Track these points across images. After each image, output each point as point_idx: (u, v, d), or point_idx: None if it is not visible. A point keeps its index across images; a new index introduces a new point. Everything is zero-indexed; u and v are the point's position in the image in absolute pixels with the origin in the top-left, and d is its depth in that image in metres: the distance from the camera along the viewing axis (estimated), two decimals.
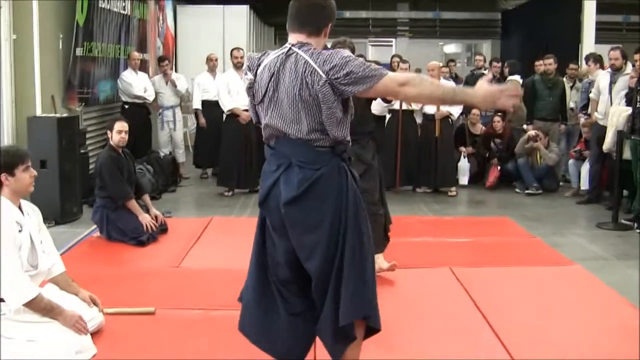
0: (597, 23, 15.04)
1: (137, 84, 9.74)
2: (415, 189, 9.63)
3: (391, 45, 19.16)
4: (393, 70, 10.54)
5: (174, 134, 10.33)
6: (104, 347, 4.22)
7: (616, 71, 8.45)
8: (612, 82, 8.45)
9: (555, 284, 5.57)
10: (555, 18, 14.80)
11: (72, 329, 4.07)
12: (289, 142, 3.27)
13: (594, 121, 8.79)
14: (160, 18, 12.28)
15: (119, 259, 6.31)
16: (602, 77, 8.77)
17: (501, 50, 17.83)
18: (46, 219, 7.14)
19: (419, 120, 9.56)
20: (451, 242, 6.84)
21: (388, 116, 9.51)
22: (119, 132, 6.81)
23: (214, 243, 6.78)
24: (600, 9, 14.22)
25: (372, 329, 3.42)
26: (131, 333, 4.51)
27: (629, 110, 7.77)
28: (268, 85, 3.27)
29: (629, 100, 7.91)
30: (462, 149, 10.13)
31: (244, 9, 13.90)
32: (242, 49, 9.33)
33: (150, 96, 9.92)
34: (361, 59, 3.20)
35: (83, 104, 8.92)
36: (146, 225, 6.75)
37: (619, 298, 5.21)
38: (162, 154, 10.00)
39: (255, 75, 3.34)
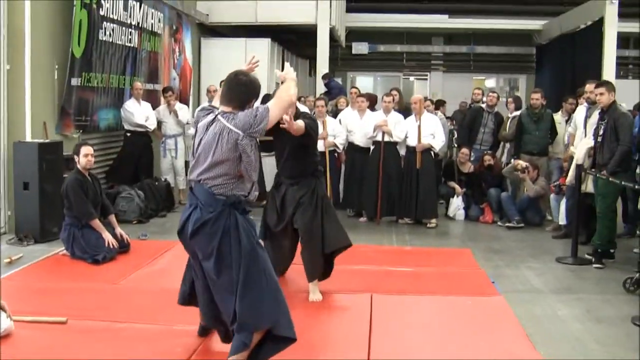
0: (627, 58, 15.04)
1: (139, 113, 10.25)
2: (398, 220, 9.80)
3: (426, 79, 19.38)
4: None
5: (176, 162, 10.81)
6: (6, 348, 4.66)
7: (592, 105, 8.43)
8: (588, 117, 8.46)
9: (463, 313, 5.72)
10: (583, 52, 14.82)
11: None
12: (199, 187, 4.23)
13: (570, 155, 8.82)
14: (177, 50, 12.84)
15: (69, 274, 6.75)
16: (578, 111, 8.81)
17: (535, 84, 17.80)
18: (26, 237, 7.77)
19: (402, 152, 9.74)
20: (391, 271, 7.02)
21: (372, 147, 9.75)
22: (85, 156, 7.33)
23: (164, 265, 7.13)
24: (629, 44, 14.24)
25: (288, 338, 4.23)
26: (37, 338, 4.94)
27: (591, 143, 7.81)
28: (196, 144, 4.26)
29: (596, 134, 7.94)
30: (456, 187, 10.26)
31: (266, 41, 14.38)
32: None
33: (151, 125, 10.41)
34: (259, 108, 4.14)
35: (80, 131, 9.45)
36: (108, 242, 7.20)
37: (517, 329, 5.30)
38: (162, 180, 10.48)
39: (195, 131, 4.36)
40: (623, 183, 7.25)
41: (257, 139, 4.23)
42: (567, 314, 5.85)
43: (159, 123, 10.76)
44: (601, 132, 7.61)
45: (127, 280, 6.52)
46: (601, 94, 7.58)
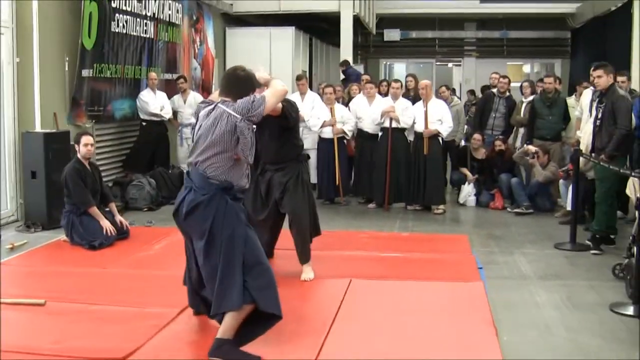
0: None
1: (154, 102, 10.45)
2: (407, 207, 9.79)
3: (460, 65, 19.22)
4: (407, 88, 10.81)
5: None
6: None
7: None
8: (593, 100, 8.31)
9: (435, 299, 5.72)
10: (614, 36, 14.52)
11: None
12: (195, 172, 4.50)
13: (577, 140, 8.70)
14: (198, 40, 13.01)
15: (65, 259, 6.97)
16: (585, 95, 8.70)
17: (570, 68, 17.51)
18: (34, 224, 8.03)
19: (410, 138, 9.73)
20: (380, 257, 7.05)
21: (380, 134, 9.77)
22: (85, 145, 7.51)
23: (158, 251, 7.29)
24: None
25: (275, 315, 4.48)
26: (12, 319, 5.13)
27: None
28: (197, 130, 4.54)
29: None
30: (468, 173, 10.22)
31: (290, 30, 14.48)
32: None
33: (166, 114, 10.62)
34: (256, 96, 4.46)
35: (94, 120, 9.68)
36: (105, 229, 7.39)
37: (485, 316, 5.26)
38: (176, 168, 10.67)
39: (196, 120, 4.66)
40: (620, 170, 7.11)
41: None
42: (545, 301, 5.80)
43: (175, 112, 10.94)
44: (600, 115, 7.49)
45: (116, 265, 6.69)
46: (599, 76, 7.46)
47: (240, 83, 4.53)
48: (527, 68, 20.17)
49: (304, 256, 6.27)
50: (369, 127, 9.95)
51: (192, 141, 4.64)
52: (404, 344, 4.73)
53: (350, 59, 14.39)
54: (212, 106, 4.51)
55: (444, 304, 5.58)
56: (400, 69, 20.54)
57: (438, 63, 19.95)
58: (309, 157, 6.55)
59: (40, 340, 4.73)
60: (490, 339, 4.79)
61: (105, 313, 5.27)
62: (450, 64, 20.87)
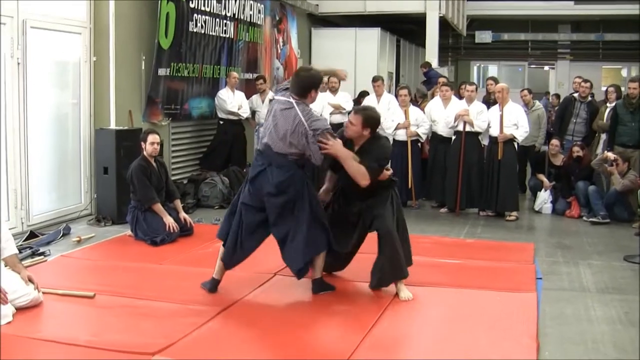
0: None
1: (232, 101, 10.57)
2: (479, 212, 9.58)
3: (553, 68, 18.66)
4: (487, 92, 10.63)
5: None
6: (29, 317, 5.07)
7: None
8: None
9: (483, 308, 5.54)
10: None
11: None
12: (272, 152, 5.42)
13: None
14: (281, 40, 13.10)
15: (125, 253, 7.15)
16: None
17: None
18: (104, 219, 8.28)
19: (484, 142, 9.51)
20: (438, 263, 6.90)
21: (453, 137, 9.59)
22: (151, 144, 7.68)
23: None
24: None
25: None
26: (60, 309, 5.33)
27: None
28: (271, 119, 5.44)
29: None
30: (544, 180, 9.92)
31: (376, 31, 14.42)
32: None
33: (244, 113, 10.71)
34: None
35: (170, 119, 9.89)
36: (168, 226, 7.53)
37: (530, 328, 5.06)
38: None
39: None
40: None
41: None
42: (600, 315, 5.53)
43: (253, 112, 11.04)
44: None
45: (173, 262, 6.80)
46: None
47: (304, 82, 5.31)
48: (624, 72, 19.37)
49: (400, 272, 5.78)
50: (443, 130, 9.78)
51: (266, 125, 5.51)
52: (433, 353, 4.61)
53: (435, 61, 14.21)
54: (288, 103, 5.31)
55: (490, 315, 5.40)
56: (493, 71, 20.15)
57: (532, 66, 19.46)
58: (396, 182, 6.20)
59: (80, 332, 4.89)
60: (529, 354, 4.61)
61: (148, 308, 5.36)
62: (546, 67, 20.30)
